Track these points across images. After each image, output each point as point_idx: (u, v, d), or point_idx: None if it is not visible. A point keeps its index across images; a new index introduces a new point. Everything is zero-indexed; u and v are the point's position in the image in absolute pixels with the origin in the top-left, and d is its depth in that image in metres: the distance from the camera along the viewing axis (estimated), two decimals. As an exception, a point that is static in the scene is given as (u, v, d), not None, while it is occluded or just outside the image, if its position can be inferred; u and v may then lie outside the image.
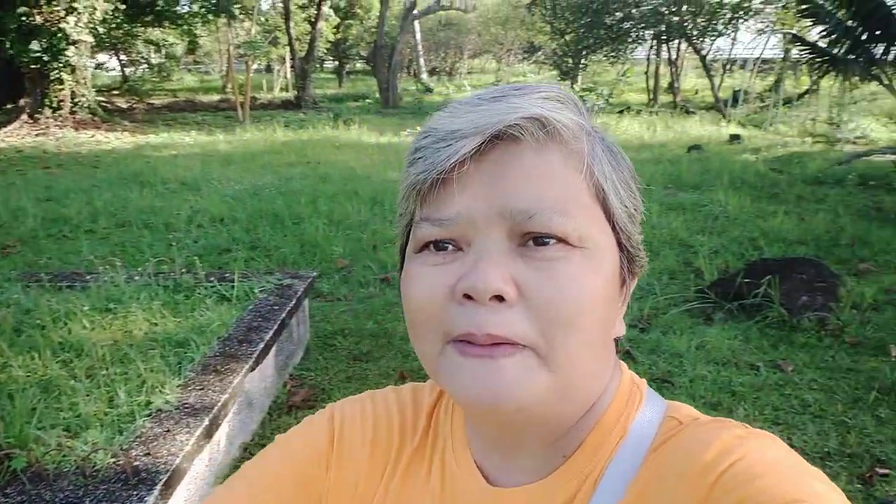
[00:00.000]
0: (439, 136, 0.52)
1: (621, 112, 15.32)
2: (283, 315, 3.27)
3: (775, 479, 0.45)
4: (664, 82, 18.77)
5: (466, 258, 0.51)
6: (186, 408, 2.39)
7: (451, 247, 0.52)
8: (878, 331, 3.89)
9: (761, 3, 15.73)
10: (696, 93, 19.65)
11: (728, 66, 18.52)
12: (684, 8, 15.20)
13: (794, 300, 4.05)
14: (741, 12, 15.30)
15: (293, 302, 3.45)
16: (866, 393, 3.20)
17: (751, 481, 0.46)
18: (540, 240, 0.50)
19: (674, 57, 17.46)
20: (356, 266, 5.21)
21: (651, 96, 18.22)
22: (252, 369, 2.80)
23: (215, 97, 21.46)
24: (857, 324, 3.95)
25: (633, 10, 16.74)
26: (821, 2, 6.71)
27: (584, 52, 18.75)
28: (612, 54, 18.85)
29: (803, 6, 7.11)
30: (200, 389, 2.53)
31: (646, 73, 18.65)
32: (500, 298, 0.48)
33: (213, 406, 2.41)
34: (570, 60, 19.13)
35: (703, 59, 16.26)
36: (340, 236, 5.90)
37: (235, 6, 17.41)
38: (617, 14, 17.42)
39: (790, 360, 3.57)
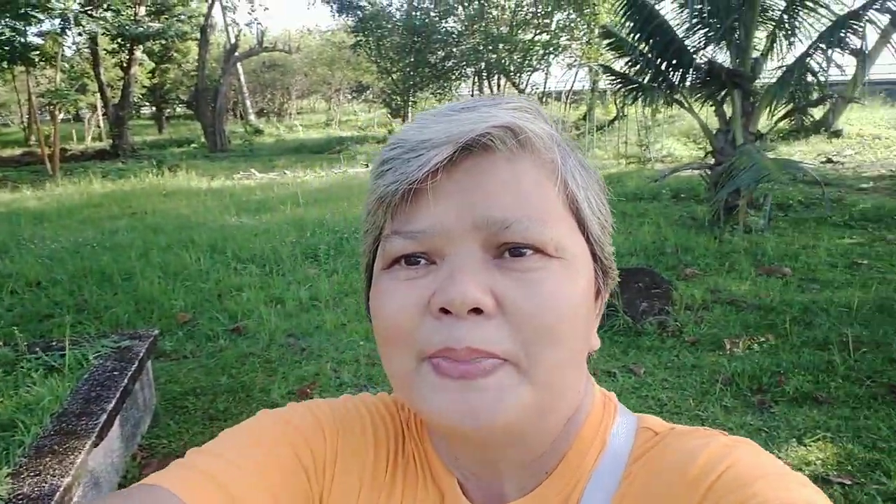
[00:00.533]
0: (409, 147, 0.50)
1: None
2: (125, 381, 2.95)
3: (767, 485, 0.46)
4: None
5: (440, 271, 0.49)
6: (22, 499, 2.06)
7: (423, 261, 0.50)
8: (712, 328, 4.27)
9: (567, 40, 17.11)
10: (519, 124, 20.72)
11: (544, 99, 19.88)
12: (501, 46, 16.16)
13: (635, 307, 4.35)
14: (551, 48, 16.54)
15: (135, 365, 3.13)
16: (711, 386, 3.48)
17: (744, 487, 0.46)
18: (517, 250, 0.48)
19: (495, 91, 18.47)
20: (201, 319, 4.87)
21: (479, 129, 18.99)
22: (96, 445, 2.48)
23: (17, 150, 19.51)
24: (692, 323, 4.31)
25: (454, 49, 17.53)
26: (623, 36, 7.40)
27: (411, 90, 19.29)
28: (439, 91, 19.58)
29: (609, 40, 7.79)
30: (37, 476, 2.19)
31: (471, 107, 19.43)
32: (478, 311, 0.46)
33: (55, 493, 2.09)
34: (399, 98, 19.59)
35: (521, 92, 17.36)
36: (179, 289, 5.50)
37: (34, 53, 16.00)
38: (439, 53, 18.16)
39: (640, 363, 3.81)
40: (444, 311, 0.47)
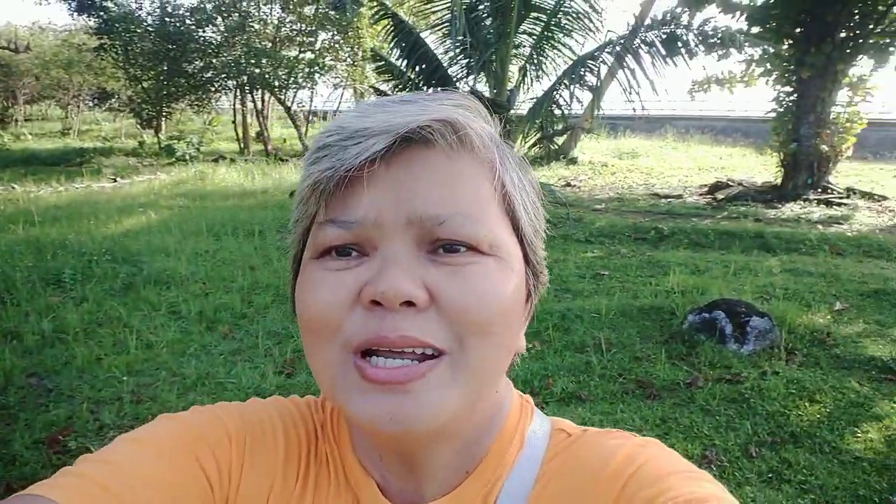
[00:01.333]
0: (346, 134, 0.49)
1: (216, 160, 15.09)
2: None
3: (679, 480, 0.50)
4: (253, 131, 19.08)
5: (372, 263, 0.48)
6: None
7: (354, 252, 0.49)
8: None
9: (332, 60, 17.20)
10: (285, 141, 20.45)
11: (310, 117, 19.75)
12: (264, 61, 15.73)
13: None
14: (317, 67, 16.49)
15: None
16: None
17: (659, 481, 0.50)
18: (450, 246, 0.48)
19: (259, 107, 17.90)
20: None
21: (242, 145, 18.34)
22: None
23: None
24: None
25: (214, 60, 16.68)
26: (392, 61, 7.69)
27: (165, 100, 17.95)
28: (197, 102, 18.47)
29: (378, 63, 8.03)
30: None
31: (233, 122, 18.72)
32: (409, 304, 0.47)
33: None
34: (150, 108, 18.12)
35: (287, 109, 17.04)
36: None
37: None
38: (197, 63, 17.15)
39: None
40: (376, 303, 0.47)
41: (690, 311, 4.77)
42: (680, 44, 6.48)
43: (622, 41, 6.60)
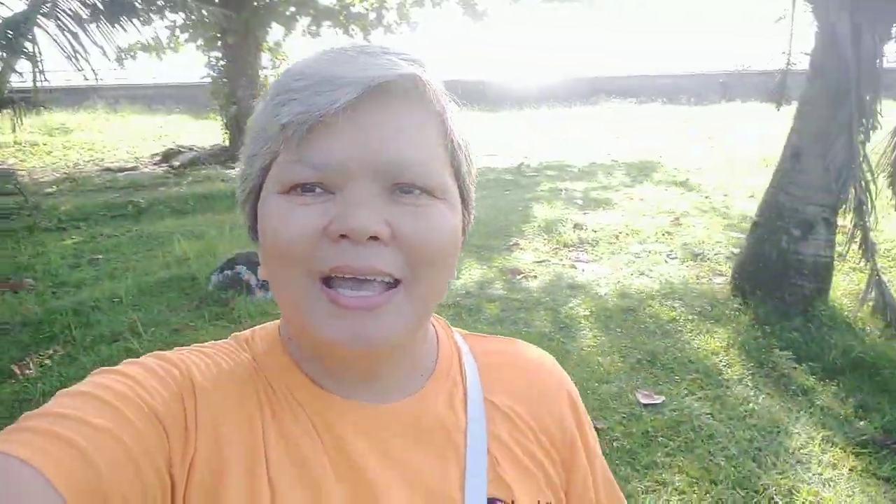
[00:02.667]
0: (315, 80, 0.53)
1: None
2: None
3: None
4: None
5: (338, 200, 0.54)
6: None
7: (318, 189, 0.54)
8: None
9: None
10: None
11: None
12: None
13: None
14: None
15: None
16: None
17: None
18: (407, 188, 0.55)
19: None
20: None
21: None
22: None
23: None
24: None
25: None
26: None
27: None
28: None
29: None
30: None
31: None
32: (373, 238, 0.53)
33: None
34: None
35: None
36: None
37: None
38: None
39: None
40: (343, 236, 0.53)
41: (212, 272, 4.84)
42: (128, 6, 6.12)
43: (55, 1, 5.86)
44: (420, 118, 0.57)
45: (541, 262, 5.50)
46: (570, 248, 5.81)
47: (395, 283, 0.55)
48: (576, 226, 6.35)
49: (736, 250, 5.54)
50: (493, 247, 5.94)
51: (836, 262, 4.44)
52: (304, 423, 0.59)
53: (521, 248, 5.90)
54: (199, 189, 8.38)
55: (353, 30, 12.84)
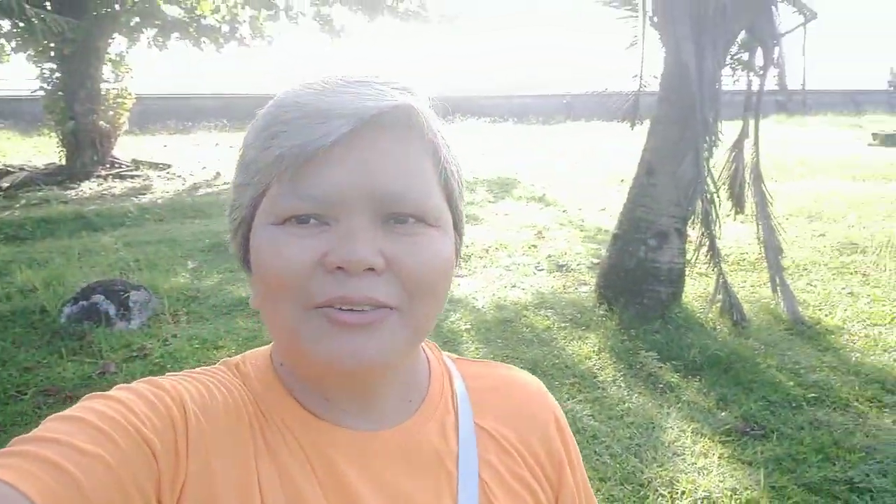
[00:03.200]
0: (307, 112, 0.54)
1: None
2: None
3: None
4: None
5: (333, 232, 0.54)
6: None
7: (313, 220, 0.54)
8: None
9: None
10: None
11: None
12: None
13: None
14: None
15: None
16: None
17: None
18: (401, 218, 0.56)
19: None
20: None
21: None
22: None
23: None
24: None
25: None
26: None
27: None
28: None
29: None
30: None
31: None
32: (369, 269, 0.54)
33: None
34: None
35: None
36: None
37: None
38: None
39: None
40: (339, 268, 0.53)
41: (63, 303, 4.42)
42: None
43: None
44: (414, 147, 0.57)
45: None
46: (444, 264, 5.90)
47: (391, 309, 0.55)
48: (447, 241, 6.46)
49: (596, 260, 5.90)
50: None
51: (686, 269, 4.84)
52: (296, 451, 0.59)
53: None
54: (37, 213, 7.60)
55: (204, 42, 12.32)
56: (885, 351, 4.10)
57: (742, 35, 4.84)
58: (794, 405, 3.45)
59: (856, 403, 3.46)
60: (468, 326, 4.41)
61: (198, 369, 0.63)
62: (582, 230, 7.16)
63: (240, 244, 0.61)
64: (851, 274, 5.54)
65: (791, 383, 3.70)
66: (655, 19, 4.79)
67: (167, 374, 0.61)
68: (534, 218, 7.61)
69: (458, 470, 0.63)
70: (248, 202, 0.58)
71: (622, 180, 10.27)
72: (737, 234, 6.17)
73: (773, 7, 4.80)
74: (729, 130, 4.78)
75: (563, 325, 4.49)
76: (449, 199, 0.61)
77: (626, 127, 5.16)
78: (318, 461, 0.58)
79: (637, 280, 4.65)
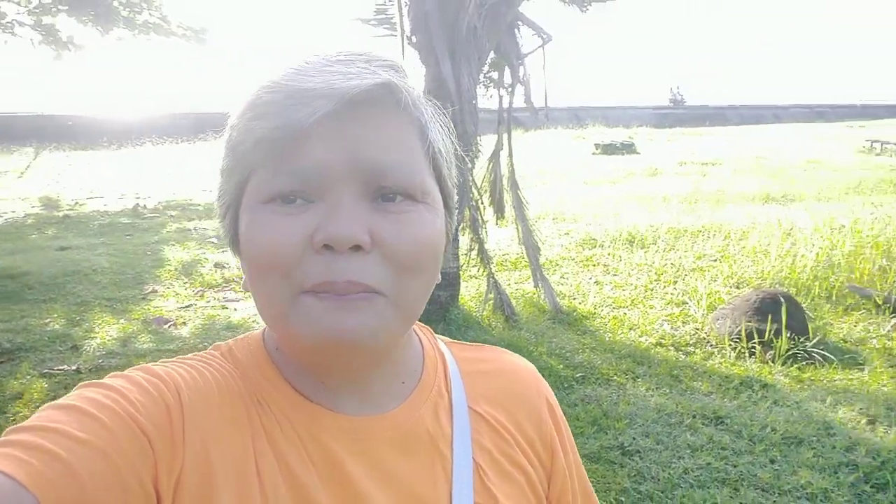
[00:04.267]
0: (289, 93, 0.53)
1: None
2: None
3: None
4: None
5: (319, 210, 0.53)
6: None
7: (299, 200, 0.54)
8: None
9: None
10: None
11: None
12: None
13: None
14: None
15: None
16: None
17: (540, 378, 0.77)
18: (388, 195, 0.55)
19: None
20: None
21: None
22: None
23: None
24: None
25: None
26: None
27: None
28: None
29: None
30: None
31: None
32: (356, 247, 0.53)
33: None
34: None
35: None
36: None
37: None
38: None
39: None
40: (327, 246, 0.52)
41: None
42: None
43: None
44: (398, 124, 0.56)
45: (187, 306, 5.18)
46: (216, 289, 5.58)
47: (377, 293, 0.54)
48: (216, 265, 6.12)
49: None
50: (127, 297, 5.38)
51: (460, 272, 5.15)
52: (292, 437, 0.58)
53: (160, 295, 5.46)
54: None
55: None
56: (630, 329, 4.75)
57: (492, 55, 5.28)
58: (566, 385, 3.84)
59: (615, 377, 3.95)
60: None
61: (190, 355, 0.62)
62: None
63: (228, 227, 0.60)
64: (595, 265, 6.33)
65: (561, 366, 4.11)
66: (414, 39, 5.04)
67: (160, 360, 0.60)
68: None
69: (452, 453, 0.63)
70: (235, 185, 0.57)
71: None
72: (497, 238, 6.70)
73: (516, 29, 5.33)
74: (486, 143, 5.19)
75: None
76: (438, 176, 0.60)
77: None
78: (313, 446, 0.58)
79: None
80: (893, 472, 2.92)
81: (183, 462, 0.52)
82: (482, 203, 5.11)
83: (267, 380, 0.61)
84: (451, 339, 0.76)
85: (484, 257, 5.03)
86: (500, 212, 5.64)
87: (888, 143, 16.59)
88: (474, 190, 4.98)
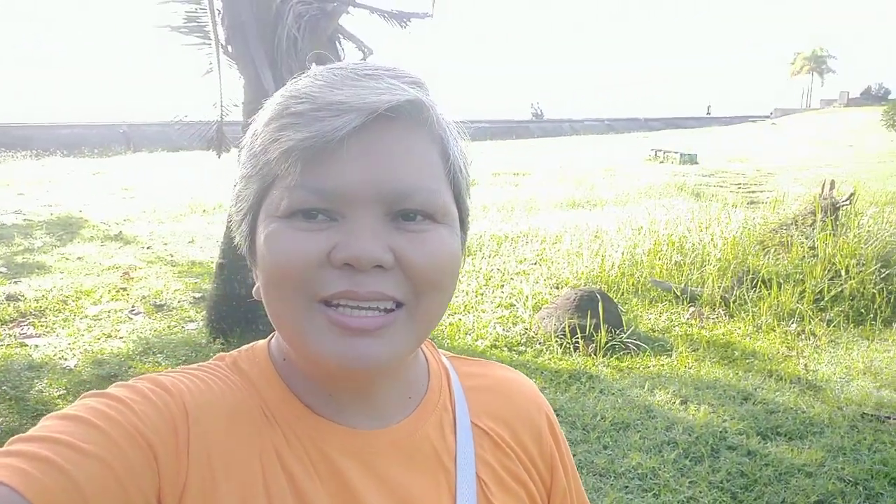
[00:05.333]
0: (318, 105, 0.53)
1: None
2: None
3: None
4: None
5: (341, 228, 0.54)
6: None
7: (321, 216, 0.54)
8: None
9: None
10: None
11: None
12: None
13: None
14: None
15: None
16: None
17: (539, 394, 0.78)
18: (409, 214, 0.55)
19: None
20: None
21: None
22: None
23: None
24: None
25: None
26: None
27: None
28: None
29: None
30: None
31: None
32: (378, 266, 0.54)
33: None
34: None
35: None
36: None
37: None
38: None
39: None
40: (348, 264, 0.52)
41: None
42: None
43: None
44: (423, 143, 0.57)
45: (-28, 348, 4.49)
46: (11, 325, 4.91)
47: (397, 305, 0.55)
48: (9, 297, 5.40)
49: (198, 294, 5.64)
50: None
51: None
52: (298, 449, 0.58)
53: (-64, 337, 4.68)
54: None
55: None
56: (466, 333, 4.87)
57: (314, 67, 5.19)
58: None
59: (456, 382, 4.04)
60: (63, 392, 3.76)
61: (195, 365, 0.62)
62: (174, 265, 6.75)
63: (245, 235, 0.59)
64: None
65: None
66: (230, 48, 4.82)
67: (166, 370, 0.60)
68: (115, 258, 6.88)
69: (456, 467, 0.64)
70: (255, 193, 0.57)
71: (204, 210, 10.05)
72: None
73: (337, 42, 5.29)
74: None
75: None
76: (456, 195, 0.60)
77: (198, 156, 5.07)
78: (319, 460, 0.58)
79: (250, 307, 4.59)
80: (706, 445, 3.28)
81: (188, 476, 0.52)
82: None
83: (274, 392, 0.60)
84: (452, 354, 0.76)
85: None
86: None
87: (668, 151, 18.74)
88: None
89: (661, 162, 18.11)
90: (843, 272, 5.58)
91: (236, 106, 4.93)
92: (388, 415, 0.63)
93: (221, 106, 4.98)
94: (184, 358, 4.30)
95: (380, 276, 0.53)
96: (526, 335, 4.88)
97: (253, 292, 0.60)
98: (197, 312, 5.17)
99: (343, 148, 0.52)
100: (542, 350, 4.65)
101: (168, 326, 4.94)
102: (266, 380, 0.61)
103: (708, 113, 54.54)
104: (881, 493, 2.90)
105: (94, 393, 0.54)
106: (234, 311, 4.60)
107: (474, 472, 0.65)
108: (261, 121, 0.57)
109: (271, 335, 0.65)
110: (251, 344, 0.66)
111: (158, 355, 4.34)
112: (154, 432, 0.52)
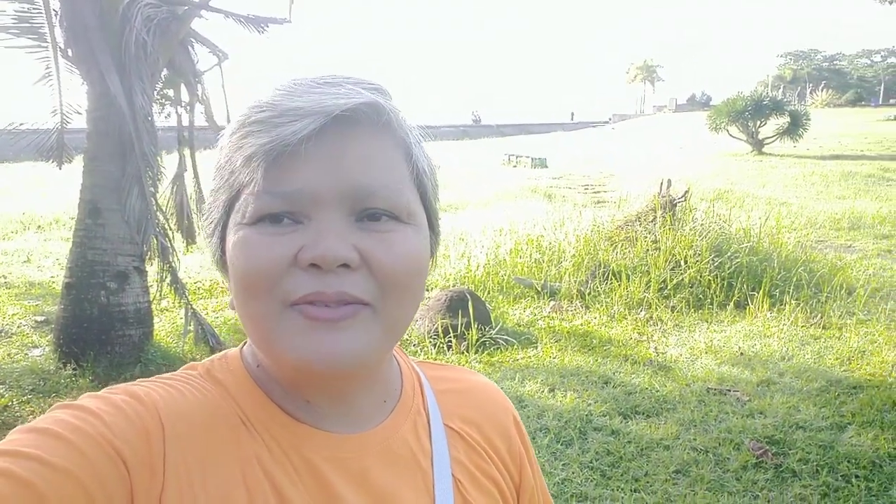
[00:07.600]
0: (279, 112, 0.54)
1: None
2: None
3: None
4: None
5: (307, 230, 0.54)
6: None
7: (286, 220, 0.54)
8: None
9: None
10: None
11: None
12: None
13: None
14: None
15: None
16: None
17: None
18: (374, 215, 0.56)
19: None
20: None
21: None
22: None
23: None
24: None
25: None
26: None
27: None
28: None
29: None
30: None
31: None
32: (344, 266, 0.54)
33: None
34: None
35: None
36: None
37: None
38: None
39: None
40: (314, 265, 0.53)
41: None
42: None
43: None
44: (386, 146, 0.57)
45: None
46: None
47: (364, 306, 0.55)
48: None
49: (40, 318, 5.18)
50: None
51: (152, 306, 4.71)
52: (279, 456, 0.58)
53: None
54: None
55: None
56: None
57: (166, 72, 4.95)
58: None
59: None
60: None
61: (167, 374, 0.61)
62: (9, 287, 6.14)
63: (216, 246, 0.60)
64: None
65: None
66: (70, 52, 4.48)
67: (138, 380, 0.59)
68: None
69: (432, 468, 0.65)
70: (223, 204, 0.58)
71: (39, 226, 9.21)
72: (186, 265, 6.28)
73: (190, 47, 5.08)
74: (169, 164, 4.85)
75: (24, 398, 3.81)
76: (422, 196, 0.61)
77: (28, 168, 4.68)
78: (302, 465, 0.58)
79: (104, 328, 4.30)
80: (575, 429, 3.49)
81: (163, 488, 0.51)
82: (170, 228, 4.75)
83: (251, 400, 0.60)
84: (420, 360, 0.77)
85: (178, 287, 4.67)
86: (190, 237, 5.31)
87: (521, 156, 19.62)
88: (160, 215, 4.61)
89: (515, 166, 18.92)
90: (682, 262, 6.15)
91: (79, 113, 4.59)
92: (365, 419, 0.64)
93: (62, 113, 4.62)
94: (30, 388, 3.94)
95: (346, 275, 0.54)
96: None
97: (228, 304, 0.60)
98: (41, 337, 4.76)
99: (303, 151, 0.53)
100: (416, 351, 4.73)
101: (9, 354, 4.50)
102: (242, 388, 0.61)
103: (572, 119, 58.16)
104: (727, 458, 3.24)
105: (64, 404, 0.53)
106: (85, 334, 4.27)
107: (450, 472, 0.67)
108: (226, 134, 0.58)
109: (242, 343, 0.65)
110: (223, 352, 0.65)
111: (1, 386, 3.95)
112: (124, 441, 0.51)
